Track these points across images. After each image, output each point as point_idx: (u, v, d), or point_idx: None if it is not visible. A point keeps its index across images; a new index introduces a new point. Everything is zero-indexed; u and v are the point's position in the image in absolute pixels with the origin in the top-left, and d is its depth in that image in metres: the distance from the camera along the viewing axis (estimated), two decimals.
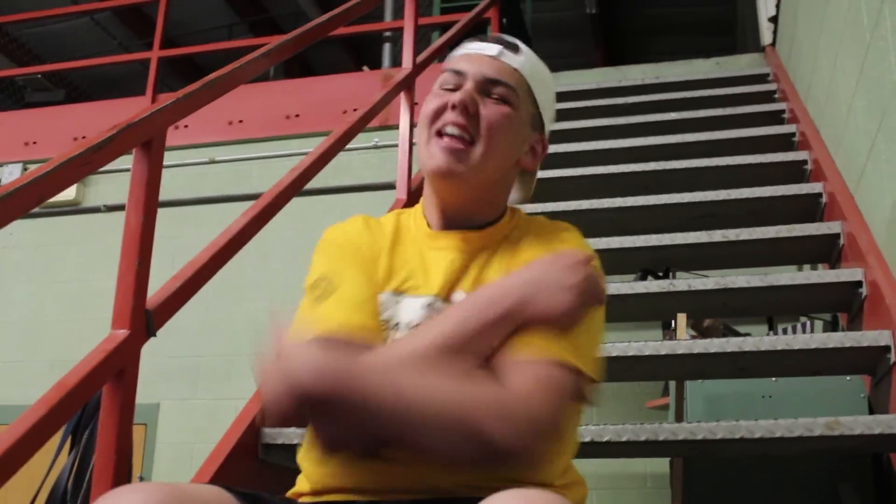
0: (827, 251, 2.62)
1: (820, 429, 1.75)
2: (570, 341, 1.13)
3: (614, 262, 2.74)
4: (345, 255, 1.29)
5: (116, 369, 1.51)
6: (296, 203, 5.01)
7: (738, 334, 2.98)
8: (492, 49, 1.32)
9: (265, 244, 4.76)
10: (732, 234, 2.58)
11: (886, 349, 1.97)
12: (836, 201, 2.63)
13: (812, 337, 2.06)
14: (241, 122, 4.89)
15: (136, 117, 1.60)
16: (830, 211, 2.71)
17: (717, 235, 2.59)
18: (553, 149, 3.43)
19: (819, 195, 2.78)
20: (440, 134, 1.27)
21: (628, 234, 2.80)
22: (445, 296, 1.23)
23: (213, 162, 4.80)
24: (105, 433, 1.49)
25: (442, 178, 1.26)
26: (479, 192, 1.31)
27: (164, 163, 5.17)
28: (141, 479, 4.48)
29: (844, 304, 2.38)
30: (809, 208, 2.85)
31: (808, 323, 2.83)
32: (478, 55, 1.31)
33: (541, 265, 1.17)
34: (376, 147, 4.82)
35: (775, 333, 2.78)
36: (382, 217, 1.40)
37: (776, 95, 3.82)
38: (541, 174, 1.83)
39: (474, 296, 1.18)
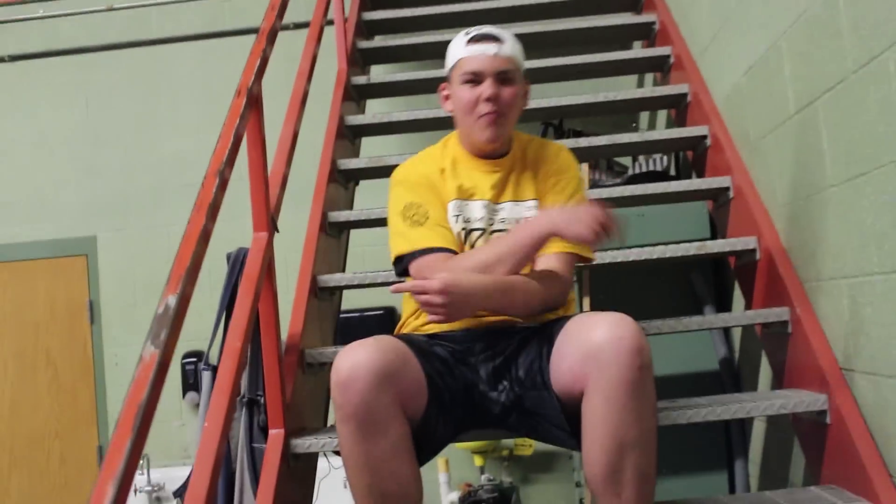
0: (676, 102, 3.57)
1: (694, 249, 2.75)
2: None
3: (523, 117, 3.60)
4: (424, 189, 2.08)
5: (268, 261, 2.23)
6: (200, 46, 5.48)
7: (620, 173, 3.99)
8: (490, 49, 2.04)
9: (176, 87, 5.25)
10: (612, 95, 3.48)
11: (727, 189, 2.97)
12: (681, 63, 3.54)
13: (681, 182, 3.03)
14: None
15: (249, 82, 2.23)
16: (677, 71, 3.63)
17: (601, 96, 3.48)
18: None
19: (668, 56, 3.68)
20: (480, 116, 2.04)
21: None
22: (495, 200, 2.07)
23: (111, 10, 5.10)
24: (266, 307, 2.23)
25: (491, 142, 2.07)
26: (505, 138, 2.12)
27: (64, 11, 5.94)
28: (91, 303, 5.11)
29: (693, 149, 3.37)
30: (659, 64, 3.78)
31: (661, 158, 3.82)
32: (483, 57, 2.04)
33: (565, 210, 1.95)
34: None
35: (641, 169, 3.77)
36: (432, 148, 2.19)
37: None
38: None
39: (520, 228, 1.97)
